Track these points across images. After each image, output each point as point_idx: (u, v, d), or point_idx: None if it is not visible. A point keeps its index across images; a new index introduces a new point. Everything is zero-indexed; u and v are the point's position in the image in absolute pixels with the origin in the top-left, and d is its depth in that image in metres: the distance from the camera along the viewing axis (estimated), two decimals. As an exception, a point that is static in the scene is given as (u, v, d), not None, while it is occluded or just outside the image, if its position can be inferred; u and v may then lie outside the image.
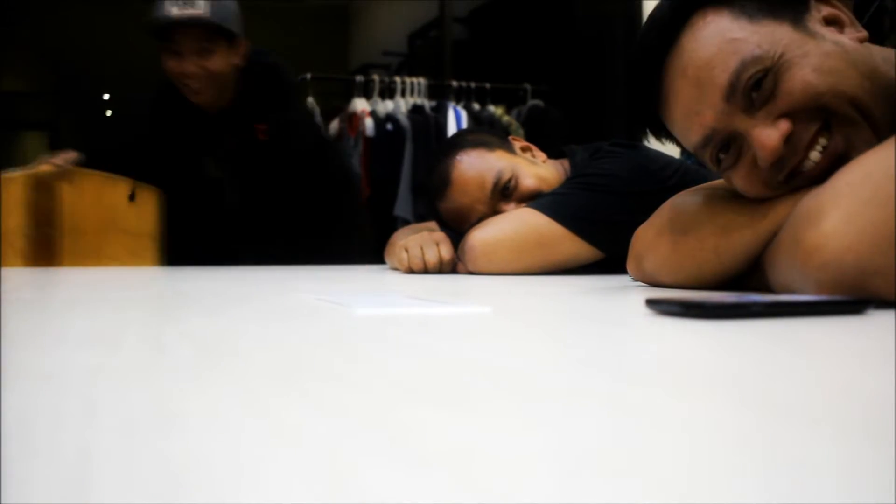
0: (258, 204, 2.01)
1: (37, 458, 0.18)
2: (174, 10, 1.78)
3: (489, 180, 1.39)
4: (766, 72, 0.71)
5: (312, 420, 0.23)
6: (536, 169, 1.43)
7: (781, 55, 0.71)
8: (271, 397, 0.26)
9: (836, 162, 0.71)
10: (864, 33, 0.74)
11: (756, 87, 0.72)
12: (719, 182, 0.90)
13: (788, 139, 0.72)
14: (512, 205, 1.38)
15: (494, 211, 1.39)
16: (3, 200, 1.84)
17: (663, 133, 0.84)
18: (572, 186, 1.32)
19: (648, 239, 0.86)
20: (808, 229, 0.59)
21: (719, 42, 0.73)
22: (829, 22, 0.75)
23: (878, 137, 0.65)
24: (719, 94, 0.73)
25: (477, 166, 1.40)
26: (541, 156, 1.49)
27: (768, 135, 0.71)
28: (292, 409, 0.24)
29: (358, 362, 0.35)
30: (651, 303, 0.54)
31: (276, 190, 1.99)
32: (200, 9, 1.79)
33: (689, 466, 0.18)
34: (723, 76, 0.73)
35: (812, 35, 0.73)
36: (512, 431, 0.21)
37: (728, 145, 0.76)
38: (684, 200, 0.84)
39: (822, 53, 0.71)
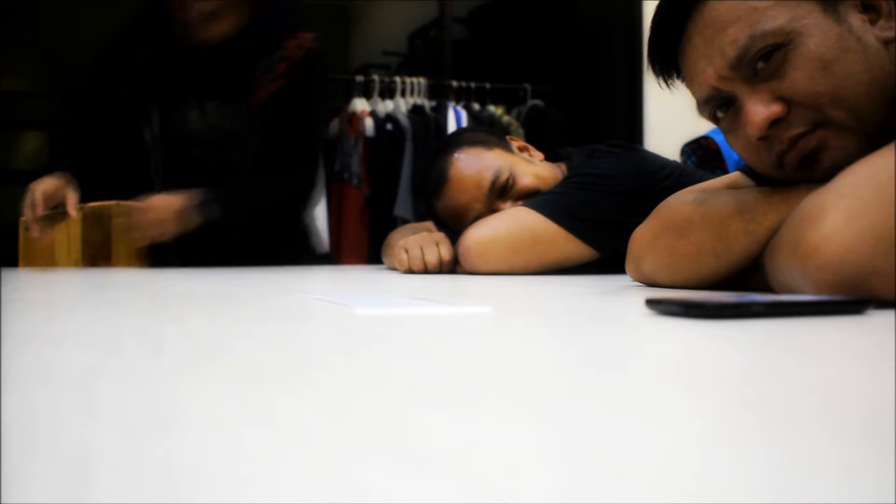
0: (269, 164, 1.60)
1: (37, 458, 0.18)
2: None
3: (487, 178, 1.39)
4: (778, 46, 0.71)
5: (312, 420, 0.23)
6: (534, 168, 1.43)
7: (799, 34, 0.71)
8: (271, 397, 0.26)
9: (804, 159, 0.72)
10: (893, 32, 0.73)
11: (765, 58, 0.72)
12: (715, 182, 0.90)
13: (778, 122, 0.72)
14: (508, 203, 1.39)
15: (491, 209, 1.39)
16: (59, 239, 1.60)
17: (675, 77, 0.84)
18: (568, 185, 1.32)
19: (646, 240, 0.86)
20: (809, 229, 0.59)
21: (742, 9, 0.73)
22: (866, 7, 0.73)
23: (872, 145, 0.65)
24: (726, 62, 0.74)
25: (474, 165, 1.40)
26: (538, 155, 1.50)
27: (757, 112, 0.72)
28: (292, 409, 0.24)
29: (358, 362, 0.35)
30: (651, 303, 0.54)
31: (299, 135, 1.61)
32: None
33: (690, 466, 0.18)
34: (732, 48, 0.73)
35: (839, 21, 0.71)
36: (512, 431, 0.21)
37: (728, 105, 0.77)
38: (681, 201, 0.85)
39: (840, 48, 0.70)
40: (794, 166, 0.73)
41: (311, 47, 1.62)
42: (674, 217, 0.84)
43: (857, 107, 0.70)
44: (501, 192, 1.39)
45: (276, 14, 1.63)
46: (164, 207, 1.51)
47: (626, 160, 1.34)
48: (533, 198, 1.33)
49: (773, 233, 0.70)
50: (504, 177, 1.38)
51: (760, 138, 0.73)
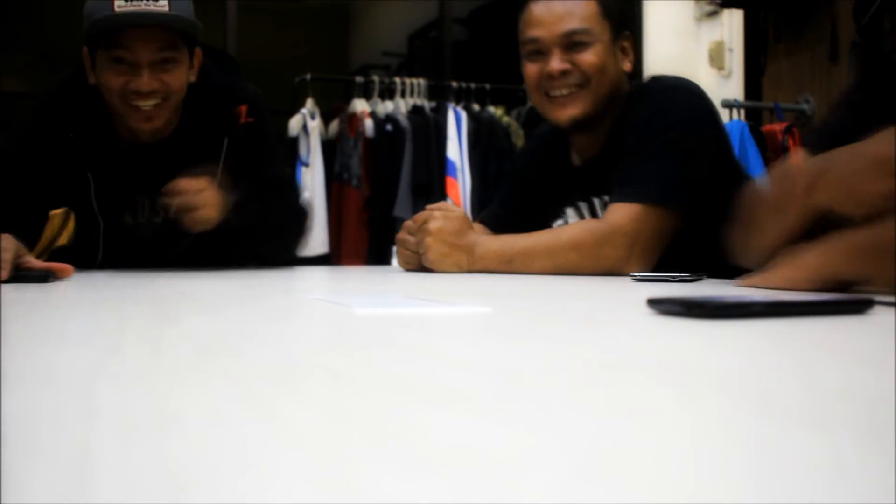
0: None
1: (37, 458, 0.18)
2: (128, 6, 1.35)
3: (570, 25, 1.38)
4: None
5: (312, 420, 0.23)
6: (609, 62, 1.41)
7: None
8: (271, 397, 0.26)
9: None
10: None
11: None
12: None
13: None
14: (557, 60, 1.39)
15: (548, 55, 1.40)
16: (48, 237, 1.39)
17: None
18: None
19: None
20: None
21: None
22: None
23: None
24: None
25: (576, 7, 1.39)
26: (627, 65, 1.46)
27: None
28: (292, 409, 0.24)
29: (358, 362, 0.35)
30: (652, 302, 0.54)
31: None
32: (163, 4, 1.37)
33: (690, 466, 0.18)
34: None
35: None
36: (511, 431, 0.21)
37: None
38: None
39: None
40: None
41: (245, 122, 1.53)
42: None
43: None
44: (569, 47, 1.38)
45: (213, 102, 1.53)
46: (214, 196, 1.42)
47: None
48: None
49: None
50: (583, 39, 1.37)
51: None
